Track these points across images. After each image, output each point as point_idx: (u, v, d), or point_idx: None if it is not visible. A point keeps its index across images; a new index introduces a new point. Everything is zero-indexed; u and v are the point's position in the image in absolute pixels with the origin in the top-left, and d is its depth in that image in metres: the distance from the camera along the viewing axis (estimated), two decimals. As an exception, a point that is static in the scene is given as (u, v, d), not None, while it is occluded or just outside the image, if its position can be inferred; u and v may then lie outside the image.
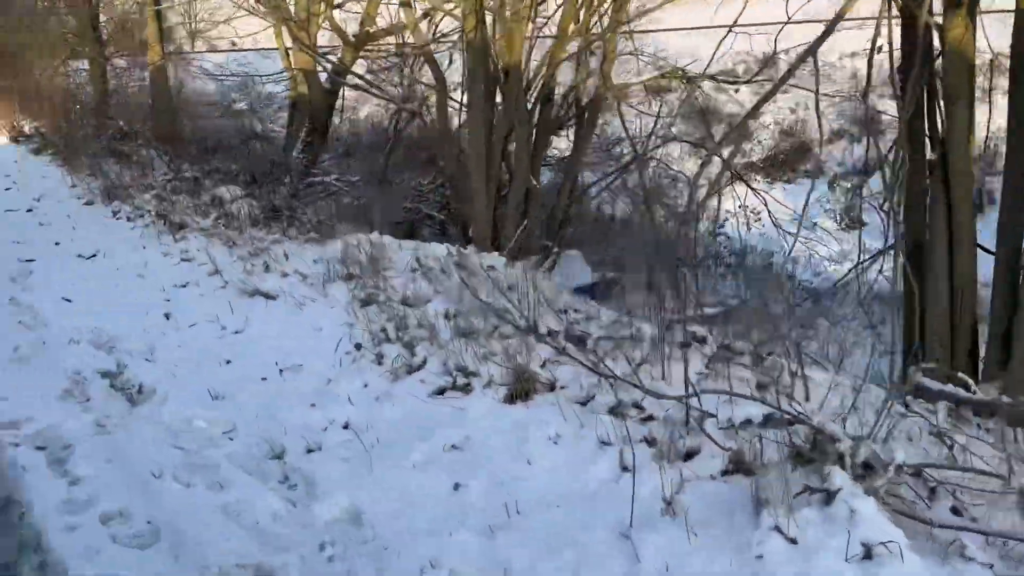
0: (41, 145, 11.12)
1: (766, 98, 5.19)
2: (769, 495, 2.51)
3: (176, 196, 8.37)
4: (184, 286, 5.65)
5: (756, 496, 2.57)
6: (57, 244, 6.93)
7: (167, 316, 5.05)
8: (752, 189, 11.17)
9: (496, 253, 6.77)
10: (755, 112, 7.42)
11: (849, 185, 16.16)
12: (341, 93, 11.58)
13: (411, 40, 10.54)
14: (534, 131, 8.83)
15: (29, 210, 8.14)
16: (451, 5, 8.66)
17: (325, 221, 8.65)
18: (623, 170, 10.81)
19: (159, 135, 11.07)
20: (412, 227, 10.00)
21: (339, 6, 11.16)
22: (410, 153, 11.75)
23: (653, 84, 12.32)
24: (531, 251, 8.55)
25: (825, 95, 7.05)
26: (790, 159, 18.97)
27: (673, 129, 11.12)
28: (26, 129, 12.25)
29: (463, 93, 11.25)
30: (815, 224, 12.88)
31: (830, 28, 4.29)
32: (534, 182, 9.40)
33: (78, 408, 3.86)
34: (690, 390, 3.18)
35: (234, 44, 16.26)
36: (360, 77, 10.81)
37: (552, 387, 3.72)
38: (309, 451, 3.44)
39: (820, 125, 10.00)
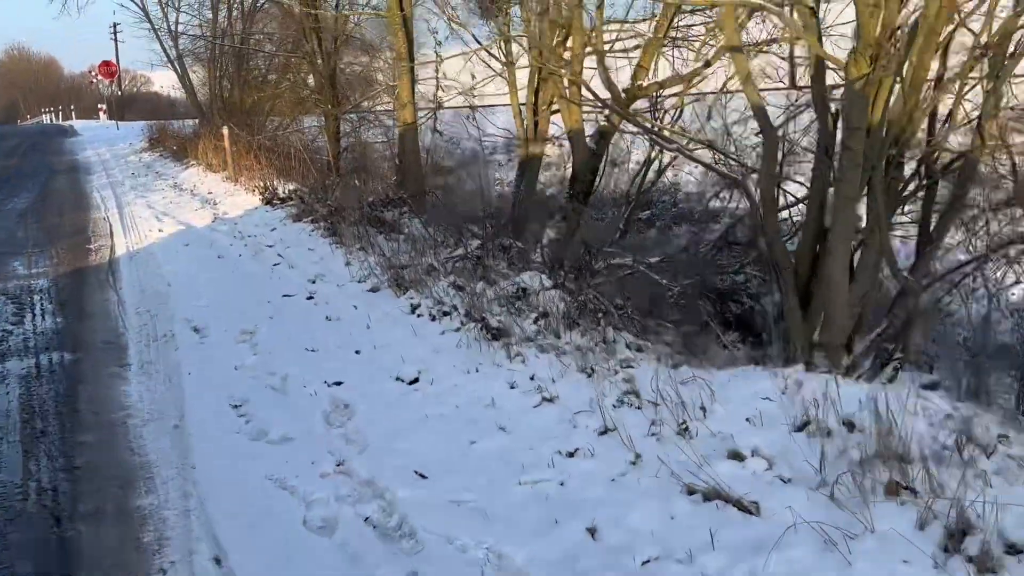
0: (301, 210, 10.03)
1: None
2: None
3: (472, 283, 6.73)
4: (572, 455, 3.73)
5: None
6: (358, 353, 5.37)
7: (591, 533, 3.10)
8: None
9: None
10: None
11: None
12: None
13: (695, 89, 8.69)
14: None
15: (309, 297, 6.76)
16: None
17: (647, 320, 6.73)
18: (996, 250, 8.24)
19: (411, 201, 9.67)
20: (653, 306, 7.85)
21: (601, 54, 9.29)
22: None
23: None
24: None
25: None
26: None
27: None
28: (280, 192, 11.34)
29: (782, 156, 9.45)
30: None
31: None
32: (904, 275, 7.25)
33: None
34: None
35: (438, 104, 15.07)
36: (663, 138, 8.86)
37: None
38: None
39: None
